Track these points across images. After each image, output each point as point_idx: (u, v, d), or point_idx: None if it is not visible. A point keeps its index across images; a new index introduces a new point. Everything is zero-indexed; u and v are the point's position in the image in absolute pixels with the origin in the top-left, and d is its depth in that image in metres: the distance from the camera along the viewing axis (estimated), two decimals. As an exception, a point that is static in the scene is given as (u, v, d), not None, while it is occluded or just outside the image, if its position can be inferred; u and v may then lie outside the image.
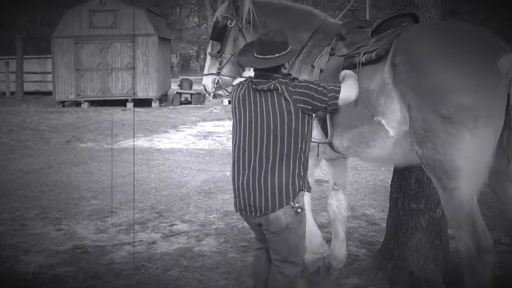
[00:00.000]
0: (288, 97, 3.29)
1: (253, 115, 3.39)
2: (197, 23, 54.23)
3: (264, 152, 3.36)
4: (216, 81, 4.63)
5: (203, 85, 4.74)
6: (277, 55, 3.36)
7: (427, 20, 4.33)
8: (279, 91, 3.30)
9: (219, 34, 4.59)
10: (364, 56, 3.67)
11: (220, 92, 4.78)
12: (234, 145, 3.56)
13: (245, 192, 3.43)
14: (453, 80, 3.22)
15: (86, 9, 23.11)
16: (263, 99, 3.35)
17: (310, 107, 3.33)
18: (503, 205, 3.75)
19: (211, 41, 4.76)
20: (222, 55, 4.61)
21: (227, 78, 4.68)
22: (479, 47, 3.32)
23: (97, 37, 22.97)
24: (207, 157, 11.39)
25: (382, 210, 6.84)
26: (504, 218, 6.27)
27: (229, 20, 4.54)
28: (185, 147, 12.84)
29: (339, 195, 4.74)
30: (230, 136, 14.94)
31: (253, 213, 3.42)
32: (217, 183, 8.87)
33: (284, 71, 3.44)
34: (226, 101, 23.26)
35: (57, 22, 23.64)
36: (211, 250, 5.69)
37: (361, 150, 3.86)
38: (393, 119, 3.53)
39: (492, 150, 3.25)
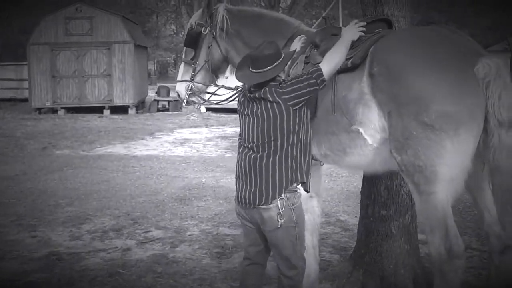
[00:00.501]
0: (278, 100, 3.42)
1: (250, 119, 3.54)
2: (174, 31, 54.13)
3: (258, 150, 3.50)
4: (189, 88, 4.60)
5: (177, 92, 4.73)
6: (269, 68, 3.47)
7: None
8: (268, 95, 3.43)
9: (193, 41, 4.56)
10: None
11: (193, 98, 4.72)
12: (239, 147, 3.73)
13: (243, 186, 3.56)
14: (433, 88, 3.25)
15: (62, 16, 22.98)
16: (257, 104, 3.49)
17: (303, 98, 3.45)
18: (478, 208, 3.78)
19: (185, 47, 4.76)
20: (195, 62, 4.57)
21: (201, 85, 4.64)
22: (457, 54, 3.36)
23: (73, 44, 22.87)
24: (183, 164, 11.40)
25: (356, 216, 6.92)
26: (475, 224, 6.47)
27: (203, 27, 4.51)
28: (162, 154, 12.84)
29: (313, 202, 4.78)
30: (207, 143, 15.07)
31: (247, 205, 3.52)
32: (192, 190, 8.90)
33: (282, 75, 3.56)
34: (203, 108, 23.31)
35: (33, 29, 23.49)
36: (185, 256, 5.72)
37: (339, 158, 3.87)
38: (371, 127, 3.56)
39: (471, 155, 3.30)
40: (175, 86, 4.86)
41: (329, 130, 3.76)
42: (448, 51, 3.37)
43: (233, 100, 4.78)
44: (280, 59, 3.51)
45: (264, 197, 3.45)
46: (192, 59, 4.60)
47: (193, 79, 4.60)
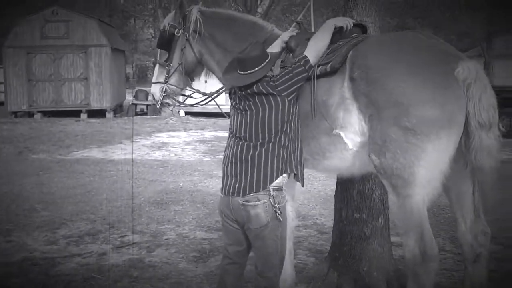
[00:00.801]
0: (272, 91, 3.48)
1: (244, 112, 3.56)
2: (152, 35, 53.90)
3: (251, 140, 3.52)
4: (163, 90, 4.54)
5: (152, 93, 4.66)
6: (256, 69, 3.50)
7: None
8: (262, 88, 3.49)
9: (166, 43, 4.51)
10: (319, 68, 3.69)
11: (168, 100, 4.66)
12: (228, 139, 3.73)
13: (232, 178, 3.56)
14: (415, 93, 3.28)
15: (38, 19, 22.79)
16: (251, 99, 3.52)
17: (296, 86, 3.52)
18: (454, 216, 3.81)
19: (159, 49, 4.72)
20: (169, 64, 4.51)
21: (175, 87, 4.58)
22: (437, 58, 3.40)
23: (49, 47, 22.70)
24: (160, 168, 11.38)
25: (332, 219, 6.97)
26: (449, 226, 6.57)
27: (176, 29, 4.45)
28: (139, 158, 12.80)
29: (288, 206, 4.80)
30: (185, 147, 15.01)
31: (235, 194, 3.50)
32: (170, 194, 8.90)
33: (270, 73, 3.57)
34: (182, 112, 23.27)
35: (8, 32, 23.24)
36: (162, 261, 5.71)
37: (318, 162, 3.89)
38: (351, 131, 3.58)
39: (451, 158, 3.34)
40: None
41: (309, 135, 3.76)
42: (428, 55, 3.42)
43: (208, 102, 4.78)
44: (267, 60, 3.56)
45: (255, 186, 3.46)
46: (166, 61, 4.55)
47: (167, 81, 4.54)
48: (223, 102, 4.95)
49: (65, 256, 5.86)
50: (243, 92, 3.56)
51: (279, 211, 3.49)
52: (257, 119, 3.50)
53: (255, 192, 3.46)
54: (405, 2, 36.61)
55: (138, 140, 16.21)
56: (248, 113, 3.53)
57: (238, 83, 3.55)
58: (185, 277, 5.28)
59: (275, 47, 4.03)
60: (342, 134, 3.60)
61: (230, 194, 3.55)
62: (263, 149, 3.48)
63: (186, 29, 4.45)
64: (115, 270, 5.45)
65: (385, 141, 3.35)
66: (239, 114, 3.60)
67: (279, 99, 3.48)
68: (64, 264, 5.63)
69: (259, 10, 26.78)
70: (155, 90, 4.60)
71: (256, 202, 3.45)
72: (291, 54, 4.00)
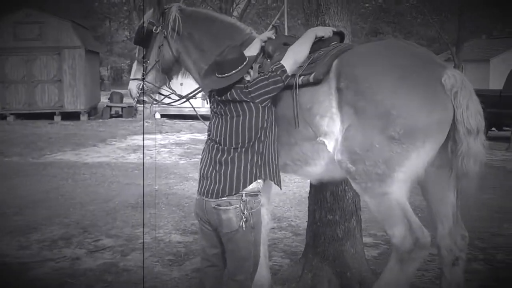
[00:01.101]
0: (245, 99, 3.46)
1: (219, 117, 3.55)
2: (128, 37, 53.63)
3: (226, 144, 3.51)
4: (140, 87, 4.50)
5: (129, 89, 4.62)
6: (233, 72, 3.49)
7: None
8: (235, 96, 3.47)
9: (144, 40, 4.43)
10: (301, 78, 3.66)
11: (145, 98, 4.61)
12: (206, 142, 3.71)
13: (205, 178, 3.57)
14: (404, 103, 3.29)
15: (9, 21, 22.43)
16: (225, 105, 3.52)
17: (270, 95, 3.51)
18: (433, 220, 3.82)
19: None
20: (146, 61, 4.46)
21: (151, 85, 4.53)
22: (423, 67, 3.42)
23: (21, 49, 22.34)
24: (136, 171, 11.32)
25: (306, 221, 7.03)
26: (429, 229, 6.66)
27: (154, 26, 4.39)
28: (114, 161, 12.71)
29: (262, 210, 4.79)
30: (160, 149, 14.94)
31: (208, 196, 3.51)
32: (144, 197, 8.81)
33: (247, 77, 3.55)
34: (158, 115, 23.16)
35: (-21, 33, 22.87)
36: (136, 264, 5.67)
37: (299, 168, 3.88)
38: (334, 139, 3.59)
39: (429, 161, 3.39)
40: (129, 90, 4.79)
41: (291, 141, 3.75)
42: (415, 64, 3.44)
43: (183, 103, 4.75)
44: (244, 63, 3.54)
45: (227, 189, 3.46)
46: (143, 57, 4.49)
47: (144, 78, 4.49)
48: (199, 105, 4.93)
49: (38, 261, 5.81)
50: (218, 98, 3.55)
51: (251, 216, 3.49)
52: (231, 124, 3.49)
53: (227, 196, 3.46)
54: (378, 7, 37.22)
55: (113, 142, 16.10)
56: (223, 117, 3.53)
57: (215, 85, 3.54)
58: (160, 280, 5.26)
59: (253, 48, 4.02)
60: (326, 141, 3.61)
61: (204, 196, 3.56)
62: (236, 154, 3.49)
63: (164, 27, 4.39)
64: (89, 274, 5.42)
65: (366, 151, 3.36)
66: (216, 118, 3.60)
67: (253, 106, 3.47)
68: (37, 269, 5.58)
69: (234, 13, 26.84)
70: (132, 86, 4.57)
71: (228, 207, 3.45)
72: (268, 60, 3.97)
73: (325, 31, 3.87)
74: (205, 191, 3.55)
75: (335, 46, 3.79)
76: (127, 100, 26.53)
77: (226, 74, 3.49)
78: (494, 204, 8.02)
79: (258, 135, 3.49)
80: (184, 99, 4.67)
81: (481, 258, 5.81)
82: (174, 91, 4.68)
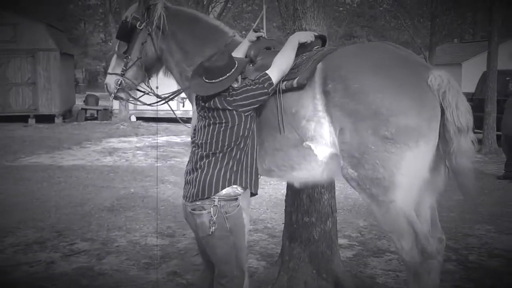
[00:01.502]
0: (228, 107, 3.43)
1: (203, 122, 3.53)
2: (103, 39, 53.24)
3: (206, 149, 3.49)
4: (119, 82, 4.37)
5: (105, 84, 4.46)
6: (221, 78, 3.44)
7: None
8: (218, 104, 3.44)
9: (127, 34, 4.33)
10: (284, 83, 3.61)
11: (122, 94, 4.47)
12: (191, 145, 3.68)
13: (186, 183, 3.57)
14: (393, 102, 3.29)
15: (-17, 23, 22.14)
16: (209, 111, 3.49)
17: (254, 105, 3.49)
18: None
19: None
20: (128, 57, 4.34)
21: (131, 82, 4.41)
22: (410, 68, 3.43)
23: (-5, 51, 22.07)
24: (111, 174, 11.25)
25: (282, 223, 7.06)
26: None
27: (139, 22, 4.28)
28: (89, 164, 12.61)
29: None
30: (136, 152, 14.82)
31: (187, 199, 3.51)
32: (120, 200, 8.81)
33: (235, 84, 3.51)
34: (134, 118, 23.04)
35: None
36: (112, 268, 5.66)
37: (284, 173, 3.84)
38: (322, 143, 3.57)
39: (429, 164, 3.39)
40: (105, 94, 4.74)
41: (276, 146, 3.72)
42: (401, 66, 3.45)
43: (164, 103, 4.62)
44: (233, 69, 3.49)
45: (200, 193, 3.45)
46: (124, 53, 4.37)
47: (123, 74, 4.37)
48: (175, 108, 4.86)
49: (12, 265, 5.74)
50: (203, 103, 3.53)
51: (226, 221, 3.46)
52: (213, 130, 3.47)
53: (200, 200, 3.46)
54: (352, 11, 37.59)
55: (88, 145, 15.96)
56: (206, 122, 3.51)
57: (204, 92, 3.49)
58: (136, 284, 5.25)
59: (240, 50, 3.99)
60: (312, 146, 3.59)
61: (184, 200, 3.56)
62: (213, 159, 3.48)
63: (149, 23, 4.31)
64: (64, 278, 5.38)
65: (363, 153, 3.35)
66: (200, 122, 3.58)
67: (236, 114, 3.44)
68: (11, 273, 5.52)
69: (211, 16, 26.80)
70: (110, 81, 4.44)
71: (201, 211, 3.46)
72: (251, 65, 3.94)
73: (307, 36, 3.85)
74: (185, 195, 3.56)
75: (317, 50, 3.79)
76: (103, 103, 26.41)
77: (215, 80, 3.45)
78: (466, 205, 8.15)
79: (238, 142, 3.48)
80: (163, 101, 4.58)
81: (454, 259, 5.92)
82: (152, 90, 4.58)
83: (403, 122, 3.28)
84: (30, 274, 5.49)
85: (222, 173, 3.47)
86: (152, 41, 4.34)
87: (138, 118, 23.28)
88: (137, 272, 5.58)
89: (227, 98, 3.44)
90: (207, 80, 3.49)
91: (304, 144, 3.60)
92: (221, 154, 3.47)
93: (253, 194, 3.71)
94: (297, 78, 3.59)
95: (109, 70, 4.48)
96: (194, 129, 3.66)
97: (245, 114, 3.47)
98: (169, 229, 7.12)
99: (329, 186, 4.79)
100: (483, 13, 32.65)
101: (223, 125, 3.45)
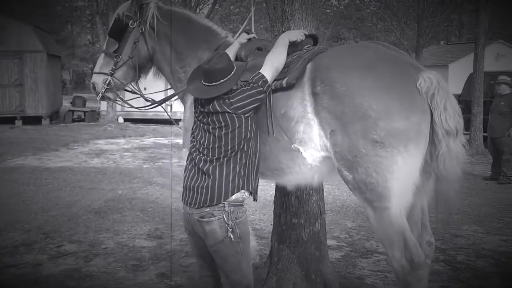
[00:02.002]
0: (228, 110, 3.37)
1: (203, 127, 3.47)
2: (90, 41, 53.01)
3: (208, 155, 3.43)
4: (107, 82, 4.25)
5: (93, 83, 4.34)
6: (222, 81, 3.39)
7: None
8: (218, 107, 3.39)
9: (118, 33, 4.23)
10: (274, 83, 3.56)
11: (110, 95, 4.35)
12: (190, 150, 3.59)
13: (188, 188, 3.49)
14: (382, 105, 3.25)
15: (-31, 24, 21.94)
16: (209, 116, 3.43)
17: (252, 106, 3.43)
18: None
19: (107, 37, 4.39)
20: (118, 56, 4.24)
21: (119, 82, 4.31)
22: (399, 70, 3.39)
23: (-19, 53, 21.86)
24: (99, 176, 11.19)
25: (271, 224, 7.06)
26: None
27: (131, 20, 4.20)
28: (76, 166, 12.53)
29: None
30: (124, 154, 14.74)
31: (193, 205, 3.43)
32: (108, 201, 8.76)
33: (234, 86, 3.46)
34: (121, 119, 22.94)
35: None
36: (100, 270, 5.62)
37: (276, 176, 3.83)
38: (311, 146, 3.54)
39: (420, 168, 3.37)
40: (92, 96, 4.62)
41: (267, 149, 3.68)
42: (390, 68, 3.41)
43: (151, 108, 4.58)
44: (233, 72, 3.44)
45: (209, 200, 3.38)
46: (115, 52, 4.27)
47: (113, 74, 4.26)
48: (162, 109, 4.81)
49: (-1, 267, 5.70)
50: (202, 108, 3.48)
51: (237, 227, 3.42)
52: (214, 135, 3.41)
53: (209, 207, 3.39)
54: (339, 13, 37.75)
55: (76, 147, 15.86)
56: (206, 127, 3.45)
57: (204, 95, 3.43)
58: (124, 286, 5.23)
59: (230, 52, 3.93)
60: (301, 149, 3.56)
61: (187, 207, 3.48)
62: (217, 164, 3.42)
63: (142, 22, 4.24)
64: (51, 280, 5.34)
65: (355, 156, 3.33)
66: (200, 127, 3.52)
67: (235, 117, 3.39)
68: (-2, 276, 5.47)
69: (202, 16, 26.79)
70: (98, 80, 4.31)
71: (211, 218, 3.39)
72: None
73: (298, 35, 3.83)
74: (188, 201, 3.47)
75: (308, 49, 3.76)
76: (90, 104, 26.28)
77: (215, 83, 3.39)
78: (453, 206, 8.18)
79: (241, 146, 3.42)
80: (151, 107, 4.51)
81: (442, 259, 5.95)
82: (141, 92, 4.51)
83: (392, 125, 3.25)
84: (17, 276, 5.45)
85: (230, 178, 3.41)
86: (145, 41, 4.27)
87: (125, 120, 23.19)
88: (125, 274, 5.55)
89: (226, 101, 3.39)
90: (206, 83, 3.43)
91: (292, 146, 3.57)
92: (225, 159, 3.42)
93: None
94: (286, 78, 3.56)
95: (96, 69, 4.37)
96: (192, 134, 3.59)
97: (245, 116, 3.41)
98: (157, 231, 7.09)
99: (318, 188, 4.80)
100: (469, 15, 32.98)
101: (224, 129, 3.39)
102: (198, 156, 3.48)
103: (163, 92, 4.79)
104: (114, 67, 4.27)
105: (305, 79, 3.53)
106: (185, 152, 3.86)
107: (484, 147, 14.38)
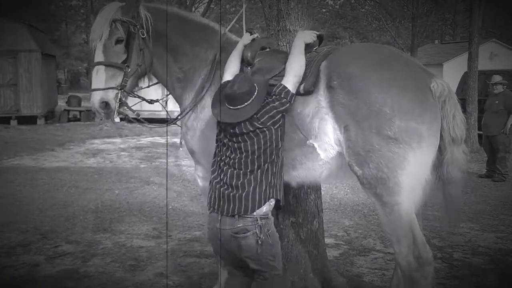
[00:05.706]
0: (258, 126, 3.42)
1: (234, 143, 3.48)
2: (85, 40, 52.86)
3: (241, 168, 3.46)
4: (119, 97, 3.78)
5: (103, 102, 3.78)
6: (246, 104, 3.41)
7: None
8: (249, 126, 3.42)
9: (127, 41, 3.82)
10: None
11: (122, 110, 3.90)
12: (214, 167, 3.61)
13: (222, 199, 3.49)
14: (396, 102, 3.32)
15: (-37, 24, 21.87)
16: (237, 136, 3.46)
17: (279, 116, 3.46)
18: None
19: (102, 47, 3.81)
20: (127, 66, 3.79)
21: (127, 94, 3.90)
22: (414, 72, 3.48)
23: (-25, 53, 21.79)
24: (95, 176, 11.17)
25: (268, 224, 7.09)
26: (378, 227, 6.79)
27: (132, 26, 3.83)
28: (72, 166, 12.51)
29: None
30: (120, 153, 14.70)
31: (225, 212, 3.44)
32: (105, 201, 8.75)
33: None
34: (117, 119, 22.84)
35: None
36: (97, 270, 5.61)
37: (285, 173, 3.77)
38: (325, 141, 3.55)
39: (431, 166, 3.43)
40: (87, 95, 4.46)
41: None
42: (405, 68, 3.49)
43: (169, 125, 4.39)
44: (255, 93, 3.45)
45: (243, 209, 3.40)
46: (124, 62, 3.80)
47: (125, 86, 3.81)
48: (160, 108, 4.74)
49: (-4, 268, 5.68)
50: (232, 130, 3.47)
51: (269, 238, 3.47)
52: (247, 150, 3.44)
53: (242, 217, 3.42)
54: (335, 12, 37.80)
55: (72, 147, 15.83)
56: (237, 145, 3.47)
57: (233, 119, 3.44)
58: (122, 286, 5.22)
59: (235, 54, 3.88)
60: (315, 144, 3.59)
61: (216, 213, 3.50)
62: (252, 177, 3.45)
63: (142, 27, 3.88)
64: (49, 281, 5.33)
65: (368, 151, 3.37)
66: (228, 145, 3.52)
67: (266, 130, 3.43)
68: (-5, 276, 5.46)
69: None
70: (108, 97, 3.77)
71: (246, 234, 3.42)
72: (249, 68, 3.84)
73: (311, 36, 3.82)
74: (219, 209, 3.49)
75: (318, 52, 3.76)
76: (85, 104, 26.19)
77: (239, 106, 3.42)
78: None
79: (272, 157, 3.47)
80: (172, 122, 4.31)
81: (439, 257, 5.96)
82: (144, 98, 4.19)
83: (406, 122, 3.32)
84: (14, 277, 5.43)
85: (263, 188, 3.45)
86: (147, 46, 3.94)
87: (121, 119, 23.13)
88: (123, 274, 5.54)
89: (254, 118, 3.42)
90: (231, 107, 3.45)
91: (307, 142, 3.61)
92: (259, 171, 3.46)
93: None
94: (303, 85, 3.58)
95: (100, 85, 3.76)
96: (220, 151, 3.58)
97: (275, 127, 3.46)
98: (155, 230, 7.09)
99: (315, 187, 4.81)
100: (463, 14, 33.07)
101: (256, 144, 3.43)
102: (230, 170, 3.50)
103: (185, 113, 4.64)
104: (126, 79, 3.81)
105: (320, 75, 3.56)
106: (182, 152, 3.83)
107: (479, 145, 14.44)
